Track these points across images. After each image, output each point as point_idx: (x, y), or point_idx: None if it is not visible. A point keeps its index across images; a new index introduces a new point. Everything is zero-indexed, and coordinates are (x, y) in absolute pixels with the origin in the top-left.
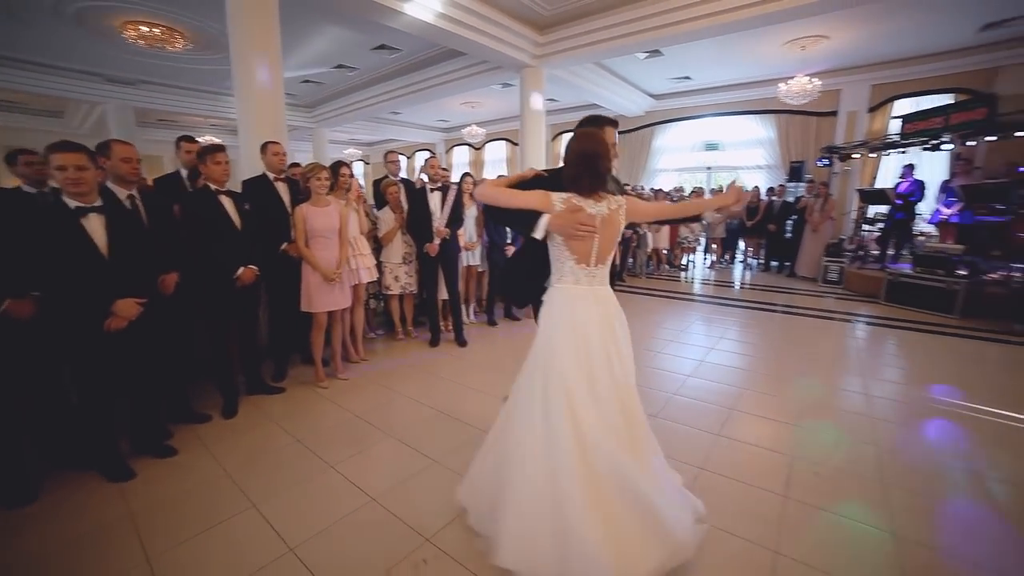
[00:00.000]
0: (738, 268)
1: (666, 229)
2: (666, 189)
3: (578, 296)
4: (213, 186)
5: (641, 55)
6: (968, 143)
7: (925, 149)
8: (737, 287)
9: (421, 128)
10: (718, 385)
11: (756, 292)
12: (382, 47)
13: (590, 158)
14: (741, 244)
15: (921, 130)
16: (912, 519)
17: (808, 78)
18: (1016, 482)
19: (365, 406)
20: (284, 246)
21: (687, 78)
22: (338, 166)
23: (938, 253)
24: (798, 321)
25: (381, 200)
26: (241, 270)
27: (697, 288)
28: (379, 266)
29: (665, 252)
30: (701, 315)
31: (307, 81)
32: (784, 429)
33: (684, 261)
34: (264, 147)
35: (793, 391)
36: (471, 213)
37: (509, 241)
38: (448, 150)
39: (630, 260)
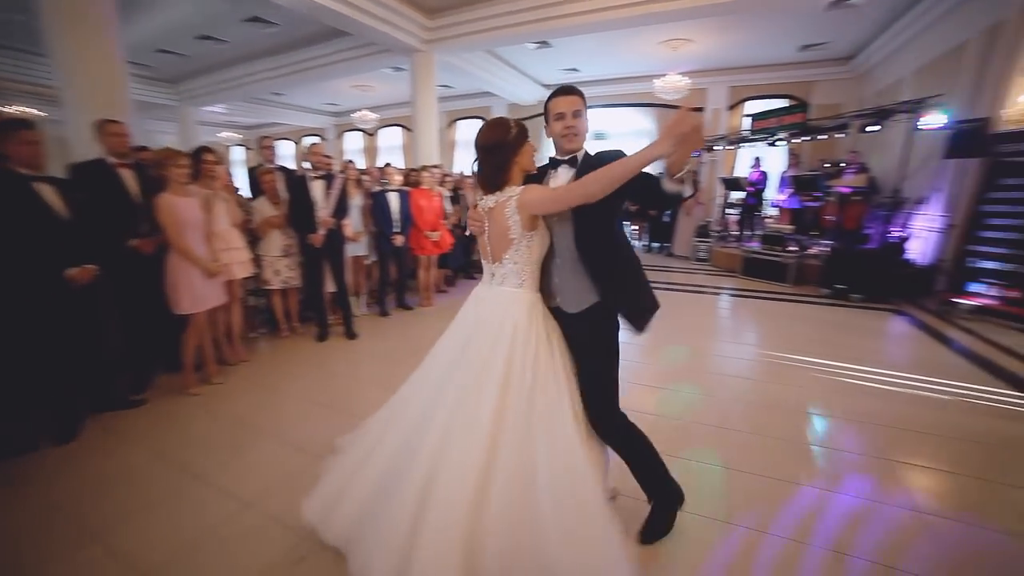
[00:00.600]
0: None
1: None
2: None
3: (477, 294)
4: (23, 170)
5: (531, 45)
6: (794, 141)
7: (768, 144)
8: None
9: (308, 112)
10: None
11: None
12: (255, 19)
13: (480, 149)
14: (626, 227)
15: (764, 128)
16: (743, 453)
17: (680, 76)
18: (821, 412)
19: (243, 409)
20: (135, 241)
21: (575, 70)
22: (201, 152)
23: (775, 233)
24: (673, 296)
25: (258, 189)
26: (75, 270)
27: None
28: (257, 260)
29: None
30: None
31: (165, 52)
32: (653, 392)
33: None
34: (100, 126)
35: (664, 358)
36: (356, 202)
37: (397, 230)
38: (339, 135)
39: None
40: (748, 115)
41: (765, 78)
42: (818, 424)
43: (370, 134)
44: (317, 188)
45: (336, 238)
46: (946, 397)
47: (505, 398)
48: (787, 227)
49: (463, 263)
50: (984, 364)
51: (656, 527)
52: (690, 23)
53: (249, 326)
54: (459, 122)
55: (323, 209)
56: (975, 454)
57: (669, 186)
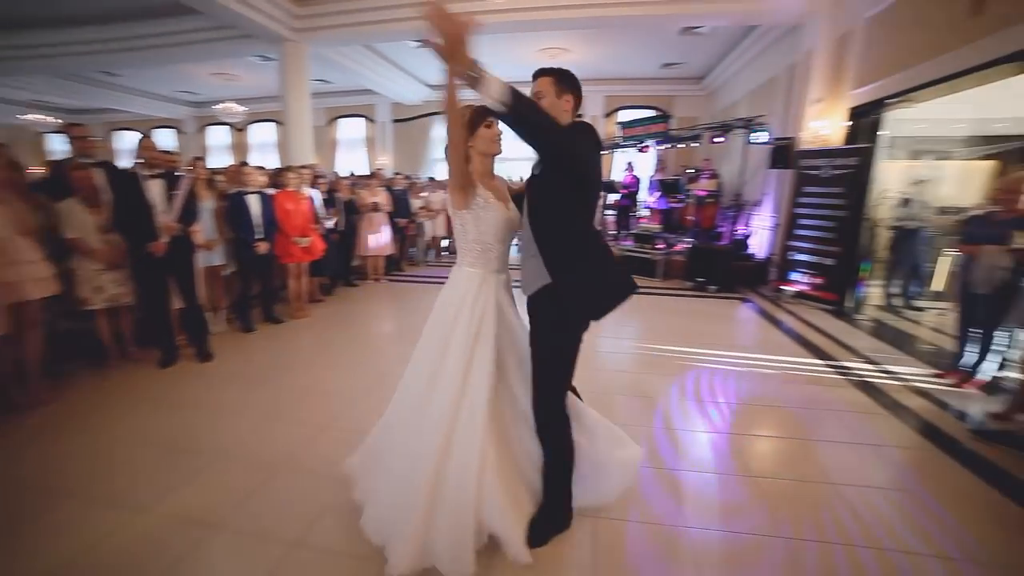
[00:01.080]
0: (514, 251)
1: (443, 217)
2: (440, 178)
3: (450, 275)
4: None
5: (413, 43)
6: (658, 148)
7: (638, 150)
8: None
9: (157, 99)
10: None
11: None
12: None
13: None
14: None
15: (633, 135)
16: None
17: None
18: (681, 396)
19: (37, 466)
20: None
21: None
22: None
23: (645, 232)
24: None
25: (65, 188)
26: None
27: None
28: (68, 275)
29: (443, 239)
30: None
31: None
32: None
33: None
34: None
35: None
36: (208, 205)
37: (260, 237)
38: (200, 129)
39: (412, 249)
40: (620, 123)
41: (635, 90)
42: (679, 408)
43: (238, 129)
44: (155, 188)
45: (183, 246)
46: (773, 371)
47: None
48: (655, 226)
49: (341, 270)
50: (801, 341)
51: (536, 534)
52: (566, 34)
53: (57, 359)
54: (340, 120)
55: (164, 213)
56: (794, 418)
57: (488, 104)
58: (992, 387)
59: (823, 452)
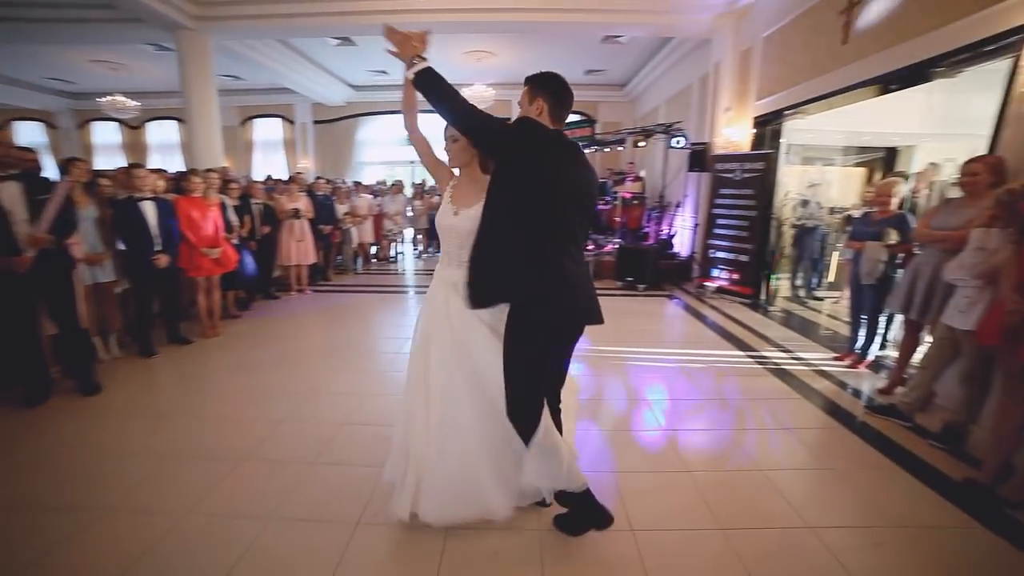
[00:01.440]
0: None
1: (370, 223)
2: (367, 182)
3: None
4: None
5: (333, 41)
6: (585, 151)
7: None
8: None
9: (18, 85)
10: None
11: None
12: None
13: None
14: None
15: None
16: None
17: (485, 86)
18: (618, 396)
19: None
20: None
21: (384, 72)
22: None
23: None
24: None
25: None
26: None
27: (408, 279)
28: None
29: (371, 246)
30: (410, 305)
31: None
32: None
33: (393, 253)
34: None
35: None
36: (89, 213)
37: (159, 248)
38: (81, 125)
39: (338, 257)
40: None
41: None
42: (617, 408)
43: (132, 127)
44: (10, 192)
45: (57, 262)
46: (702, 366)
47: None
48: None
49: (259, 282)
50: (724, 334)
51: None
52: (492, 37)
53: None
54: (256, 120)
55: (27, 222)
56: (722, 410)
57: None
58: (877, 366)
59: (750, 440)
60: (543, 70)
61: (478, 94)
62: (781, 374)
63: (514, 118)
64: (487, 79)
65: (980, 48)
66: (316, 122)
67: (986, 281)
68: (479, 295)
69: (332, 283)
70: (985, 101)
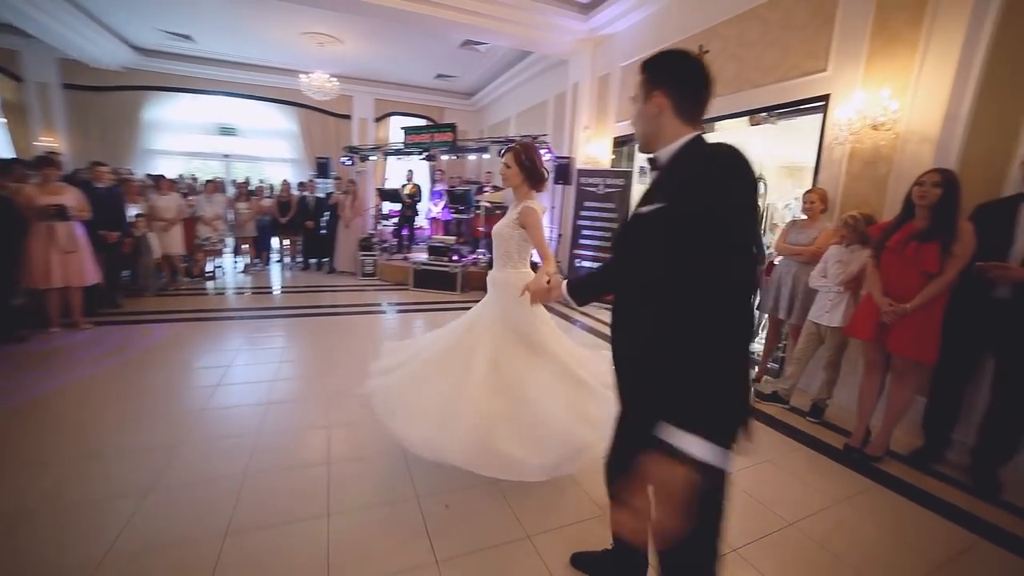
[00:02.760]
0: (276, 269)
1: (178, 228)
2: (170, 176)
3: None
4: None
5: None
6: (443, 157)
7: (422, 158)
8: (278, 291)
9: None
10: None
11: (299, 295)
12: None
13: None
14: (276, 242)
15: (417, 143)
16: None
17: (328, 76)
18: None
19: None
20: None
21: (188, 38)
22: None
23: (441, 244)
24: (346, 318)
25: None
26: None
27: (231, 301)
28: None
29: (182, 258)
30: (235, 334)
31: None
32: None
33: (210, 268)
34: None
35: (323, 393)
36: None
37: None
38: None
39: (124, 273)
40: (403, 128)
41: (407, 96)
42: None
43: None
44: None
45: None
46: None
47: None
48: (449, 238)
49: None
50: (598, 334)
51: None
52: (338, 21)
53: None
54: None
55: None
56: None
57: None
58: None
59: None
60: (419, 66)
61: (319, 83)
62: None
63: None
64: (330, 68)
65: (799, 105)
66: (70, 86)
67: (846, 288)
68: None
69: (124, 311)
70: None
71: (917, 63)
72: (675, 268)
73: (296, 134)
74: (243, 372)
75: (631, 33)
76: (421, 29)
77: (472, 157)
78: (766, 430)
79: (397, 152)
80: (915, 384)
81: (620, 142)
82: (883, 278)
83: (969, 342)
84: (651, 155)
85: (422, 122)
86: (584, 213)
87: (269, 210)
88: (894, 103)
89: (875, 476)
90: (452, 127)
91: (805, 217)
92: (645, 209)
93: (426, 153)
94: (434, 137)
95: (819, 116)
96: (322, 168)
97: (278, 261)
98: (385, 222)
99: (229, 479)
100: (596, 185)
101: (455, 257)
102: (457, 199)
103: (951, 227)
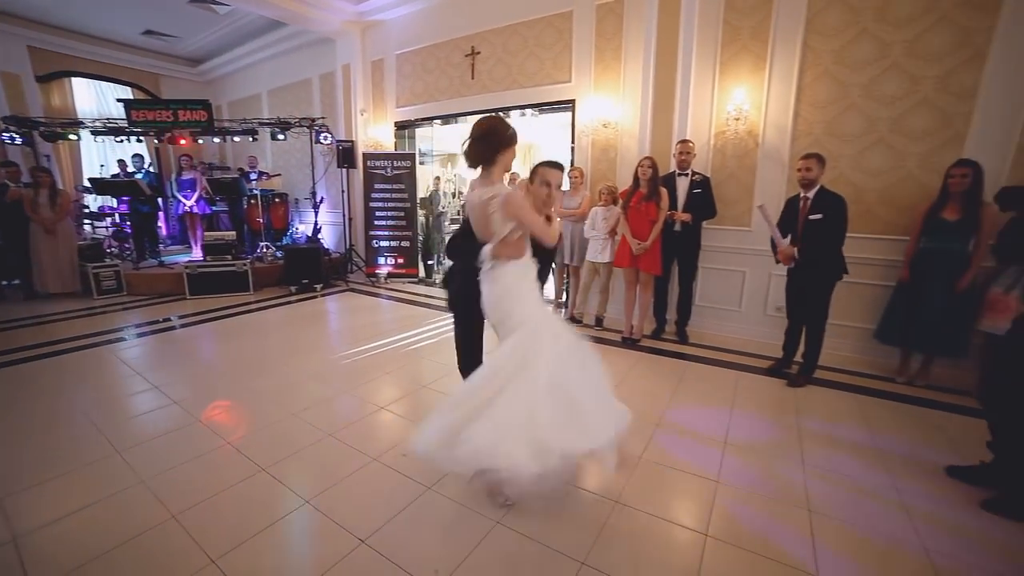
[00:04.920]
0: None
1: None
2: None
3: None
4: None
5: None
6: (202, 140)
7: (163, 140)
8: None
9: None
10: None
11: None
12: None
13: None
14: None
15: (152, 121)
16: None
17: None
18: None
19: None
20: None
21: None
22: None
23: (219, 241)
24: (84, 355)
25: None
26: None
27: None
28: None
29: None
30: None
31: None
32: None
33: None
34: None
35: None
36: None
37: None
38: None
39: None
40: (123, 100)
41: (96, 53)
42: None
43: None
44: None
45: None
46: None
47: None
48: (229, 234)
49: None
50: (410, 303)
51: None
52: None
53: None
54: None
55: None
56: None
57: None
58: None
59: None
60: (117, 15)
61: None
62: None
63: None
64: None
65: (555, 106)
66: None
67: (609, 235)
68: None
69: None
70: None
71: (621, 81)
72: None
73: None
74: None
75: (404, 23)
76: None
77: (219, 140)
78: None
79: (114, 132)
80: (652, 289)
81: (401, 126)
82: (629, 226)
83: (667, 257)
84: None
85: (128, 91)
86: (376, 196)
87: None
88: (615, 109)
89: (641, 350)
90: (205, 104)
91: (570, 188)
92: None
93: (167, 135)
94: (178, 116)
95: (569, 114)
96: None
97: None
98: (96, 223)
99: None
100: (384, 168)
101: (242, 254)
102: (225, 188)
103: (658, 192)
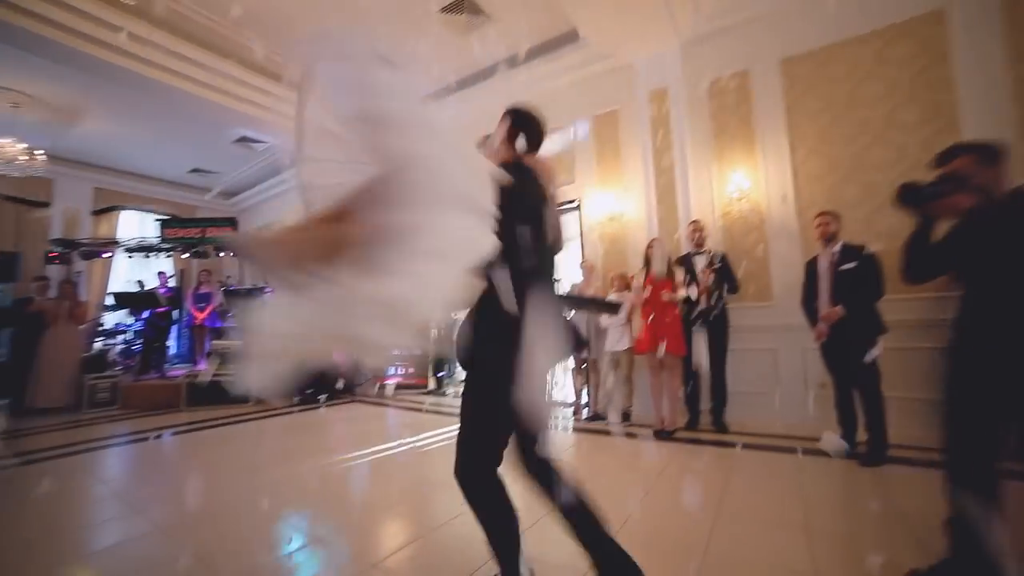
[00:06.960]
0: None
1: None
2: None
3: None
4: None
5: None
6: (223, 255)
7: (193, 255)
8: None
9: None
10: None
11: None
12: None
13: None
14: None
15: (181, 237)
16: None
17: (18, 144)
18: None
19: None
20: None
21: None
22: None
23: (228, 350)
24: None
25: None
26: None
27: None
28: None
29: None
30: None
31: None
32: None
33: None
34: None
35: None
36: None
37: None
38: None
39: None
40: (159, 220)
41: (145, 189)
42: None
43: None
44: None
45: None
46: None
47: None
48: (237, 343)
49: None
50: (434, 412)
51: None
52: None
53: None
54: None
55: None
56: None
57: None
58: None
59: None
60: (171, 157)
61: (7, 153)
62: None
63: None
64: (21, 136)
65: (562, 205)
66: None
67: (627, 322)
68: None
69: None
70: None
71: (623, 177)
72: None
73: None
74: None
75: None
76: (194, 115)
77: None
78: (607, 439)
79: (145, 249)
80: (680, 375)
81: None
82: (648, 309)
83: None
84: None
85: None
86: None
87: None
88: (618, 204)
89: (677, 442)
90: (233, 221)
91: (582, 281)
92: None
93: (194, 250)
94: (205, 232)
95: (577, 211)
96: (6, 267)
97: None
98: (110, 340)
99: None
100: None
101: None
102: (241, 299)
103: (670, 270)
